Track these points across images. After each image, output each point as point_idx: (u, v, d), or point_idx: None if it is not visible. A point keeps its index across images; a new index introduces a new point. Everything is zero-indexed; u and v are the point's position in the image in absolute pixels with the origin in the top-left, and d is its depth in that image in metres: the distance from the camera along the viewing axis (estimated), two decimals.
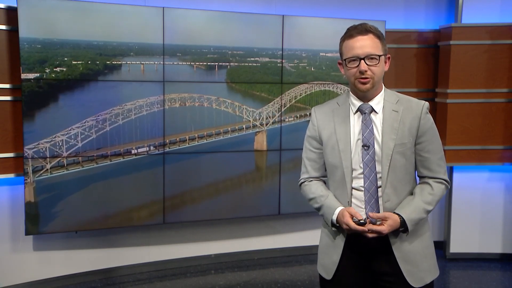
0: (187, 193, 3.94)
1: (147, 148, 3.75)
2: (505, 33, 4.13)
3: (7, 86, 3.43)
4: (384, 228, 1.81)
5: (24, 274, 3.66)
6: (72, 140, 3.53)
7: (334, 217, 1.90)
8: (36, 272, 3.70)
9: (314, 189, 2.02)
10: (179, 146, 3.86)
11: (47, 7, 3.39)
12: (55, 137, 3.49)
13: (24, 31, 3.33)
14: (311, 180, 2.06)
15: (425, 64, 4.43)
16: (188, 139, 3.89)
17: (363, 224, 1.81)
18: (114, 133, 3.66)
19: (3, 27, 3.39)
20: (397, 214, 1.85)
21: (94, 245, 3.86)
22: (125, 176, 3.73)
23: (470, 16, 4.25)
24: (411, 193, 1.93)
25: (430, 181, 1.93)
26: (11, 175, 3.49)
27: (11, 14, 3.37)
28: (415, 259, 1.89)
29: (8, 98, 3.44)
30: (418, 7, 4.48)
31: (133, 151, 3.71)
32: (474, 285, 3.97)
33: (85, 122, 3.57)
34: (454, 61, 4.17)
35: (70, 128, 3.53)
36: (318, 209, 2.00)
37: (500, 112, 4.20)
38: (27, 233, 3.48)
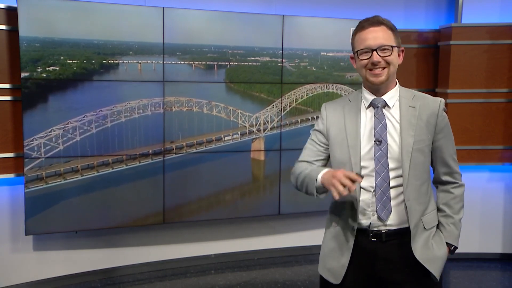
0: (186, 195, 3.92)
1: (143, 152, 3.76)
2: (505, 33, 4.13)
3: (7, 86, 3.43)
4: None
5: (24, 274, 3.65)
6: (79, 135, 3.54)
7: (319, 176, 1.77)
8: (36, 272, 3.69)
9: (299, 166, 1.93)
10: (164, 156, 3.77)
11: (47, 7, 3.38)
12: (64, 126, 3.48)
13: (24, 31, 3.32)
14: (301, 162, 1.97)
15: (425, 64, 4.43)
16: (175, 148, 3.81)
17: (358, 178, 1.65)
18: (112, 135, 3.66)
19: (3, 27, 3.38)
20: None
21: (94, 245, 3.86)
22: (126, 177, 3.72)
23: (470, 16, 4.26)
24: (427, 192, 1.87)
25: (450, 189, 1.93)
26: (11, 175, 3.49)
27: (11, 14, 3.37)
28: (432, 247, 1.85)
29: (8, 98, 3.44)
30: (418, 7, 4.48)
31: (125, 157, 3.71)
32: (474, 285, 3.97)
33: (84, 117, 3.56)
34: (454, 61, 4.16)
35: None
36: (302, 183, 1.88)
37: (500, 112, 4.20)
38: (27, 233, 3.48)
